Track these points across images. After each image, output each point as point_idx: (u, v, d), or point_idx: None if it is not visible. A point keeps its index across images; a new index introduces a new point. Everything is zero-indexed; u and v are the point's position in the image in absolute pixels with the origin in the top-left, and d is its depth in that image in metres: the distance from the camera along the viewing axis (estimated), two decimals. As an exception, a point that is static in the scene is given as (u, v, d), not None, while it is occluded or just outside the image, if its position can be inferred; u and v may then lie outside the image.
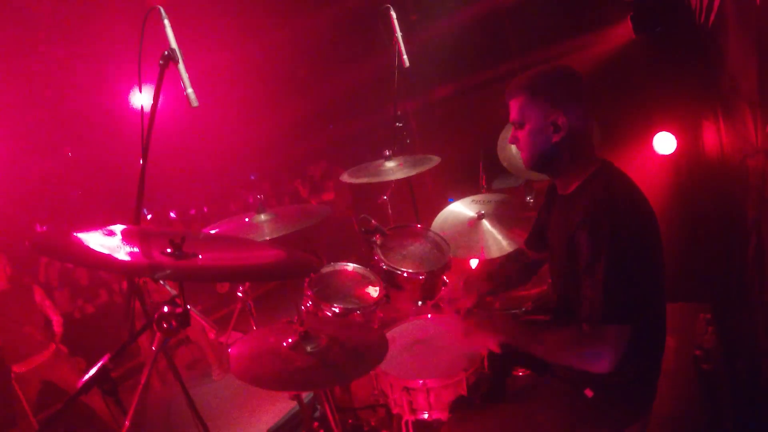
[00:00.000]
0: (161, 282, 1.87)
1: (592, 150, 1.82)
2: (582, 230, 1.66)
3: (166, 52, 1.97)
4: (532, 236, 2.25)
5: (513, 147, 3.23)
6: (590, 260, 1.63)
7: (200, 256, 1.53)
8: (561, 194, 1.90)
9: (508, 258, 2.52)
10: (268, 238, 2.56)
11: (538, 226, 2.18)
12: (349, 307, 2.54)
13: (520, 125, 1.81)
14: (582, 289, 1.67)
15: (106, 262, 1.42)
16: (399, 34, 3.30)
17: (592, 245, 1.63)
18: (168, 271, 1.38)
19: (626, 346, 1.58)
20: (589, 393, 1.76)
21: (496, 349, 1.80)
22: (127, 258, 1.43)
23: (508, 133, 3.26)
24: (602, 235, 1.61)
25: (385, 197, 3.25)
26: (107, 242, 1.49)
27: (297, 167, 7.55)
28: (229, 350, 1.89)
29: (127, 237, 1.58)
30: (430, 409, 2.16)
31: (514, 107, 1.81)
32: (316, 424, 2.60)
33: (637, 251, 1.62)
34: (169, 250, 1.46)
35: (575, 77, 1.77)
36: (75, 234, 1.47)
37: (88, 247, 1.42)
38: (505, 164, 3.21)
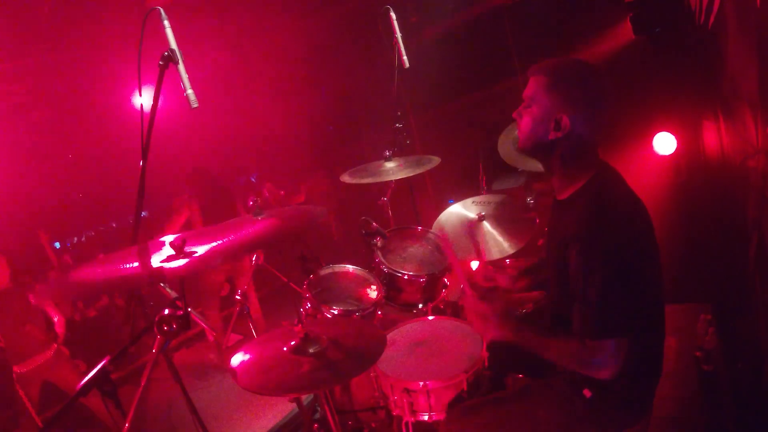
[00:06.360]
0: (162, 285, 1.86)
1: (591, 158, 1.77)
2: (573, 246, 1.65)
3: (166, 53, 1.96)
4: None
5: (514, 144, 3.20)
6: (582, 276, 1.63)
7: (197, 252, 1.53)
8: (557, 199, 1.88)
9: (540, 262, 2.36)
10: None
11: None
12: (349, 308, 2.53)
13: (528, 104, 1.77)
14: (575, 301, 1.68)
15: (111, 283, 1.43)
16: (399, 35, 3.30)
17: (583, 262, 1.63)
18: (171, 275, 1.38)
19: (626, 356, 1.61)
20: (587, 393, 1.77)
21: (495, 338, 1.80)
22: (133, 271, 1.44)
23: (509, 132, 3.25)
24: (593, 252, 1.61)
25: (385, 199, 3.24)
26: (106, 266, 1.50)
27: (294, 169, 7.44)
28: (231, 361, 1.88)
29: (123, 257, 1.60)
30: (430, 411, 2.16)
31: (532, 85, 1.76)
32: (316, 426, 2.60)
33: (629, 265, 1.61)
34: (170, 253, 1.46)
35: (601, 85, 1.72)
36: (73, 274, 1.49)
37: (91, 280, 1.43)
38: (505, 159, 3.17)
